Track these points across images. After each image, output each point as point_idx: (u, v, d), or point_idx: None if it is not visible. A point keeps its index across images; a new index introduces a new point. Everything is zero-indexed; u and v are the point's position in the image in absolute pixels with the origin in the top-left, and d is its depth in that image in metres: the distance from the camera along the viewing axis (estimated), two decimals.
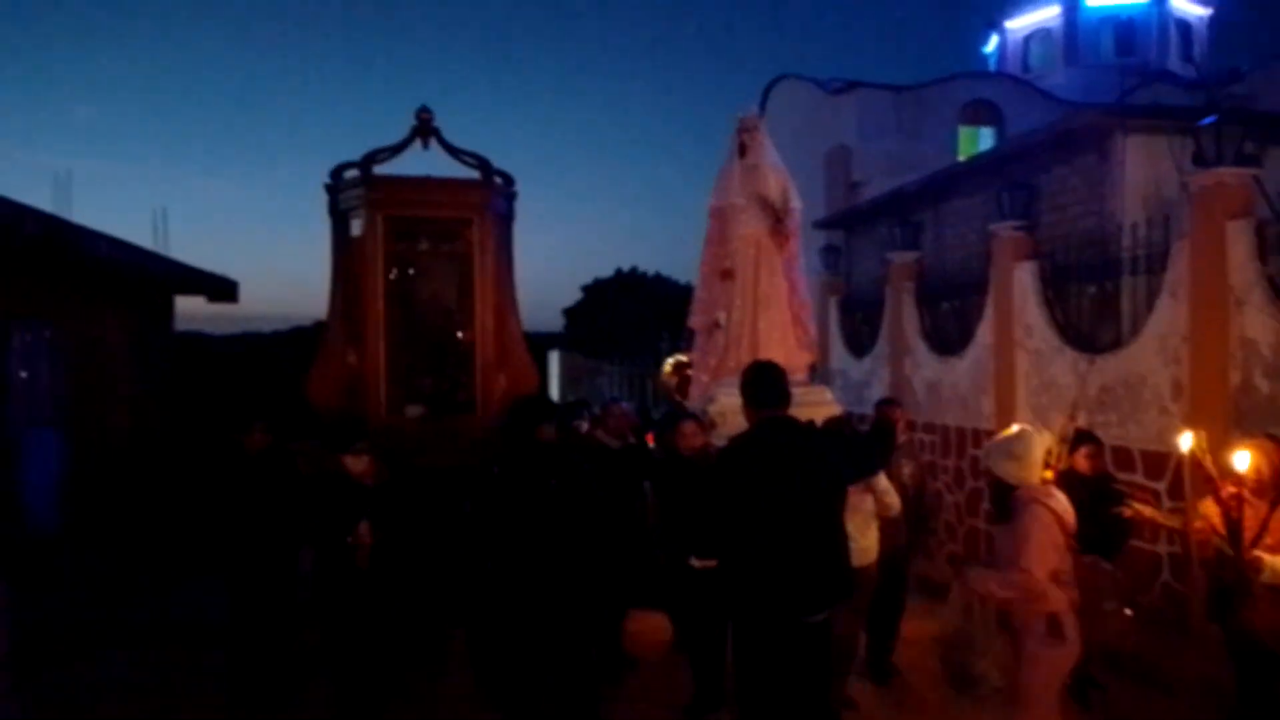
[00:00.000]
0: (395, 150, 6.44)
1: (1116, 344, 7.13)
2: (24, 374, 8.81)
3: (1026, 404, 8.04)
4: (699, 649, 5.28)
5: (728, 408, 6.97)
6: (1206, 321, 6.10)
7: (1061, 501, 3.87)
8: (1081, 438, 5.50)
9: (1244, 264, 5.85)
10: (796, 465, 3.80)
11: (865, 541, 5.10)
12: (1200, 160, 6.19)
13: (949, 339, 9.51)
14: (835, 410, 6.86)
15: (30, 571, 7.77)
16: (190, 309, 13.51)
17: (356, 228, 6.36)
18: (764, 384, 4.03)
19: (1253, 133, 6.25)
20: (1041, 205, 8.95)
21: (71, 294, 9.50)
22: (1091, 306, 7.52)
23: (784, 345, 7.52)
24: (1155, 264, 6.72)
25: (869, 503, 5.25)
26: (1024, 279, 8.07)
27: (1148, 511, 5.01)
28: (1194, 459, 4.40)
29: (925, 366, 9.78)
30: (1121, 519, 5.03)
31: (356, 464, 5.06)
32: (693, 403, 7.85)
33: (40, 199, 8.56)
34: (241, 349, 24.39)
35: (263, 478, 5.37)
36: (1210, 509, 4.44)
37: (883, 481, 5.28)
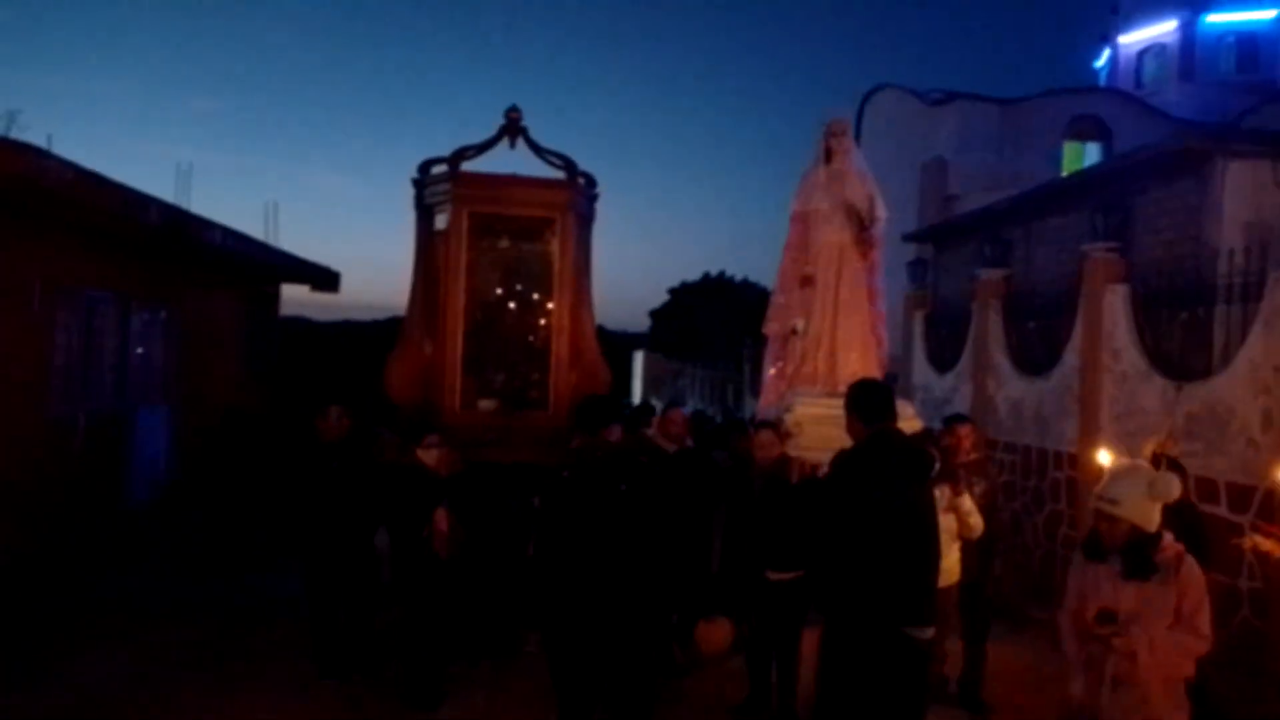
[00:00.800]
0: (483, 148, 6.54)
1: (1206, 372, 6.92)
2: (140, 351, 9.46)
3: (1110, 429, 7.85)
4: (759, 655, 5.30)
5: (804, 417, 6.94)
6: None
7: None
8: (1167, 464, 5.33)
9: None
10: (905, 478, 3.84)
11: (946, 562, 4.98)
12: None
13: (1035, 359, 9.34)
14: (916, 425, 6.77)
15: (125, 541, 8.31)
16: (294, 295, 14.21)
17: (441, 222, 6.46)
18: (874, 398, 4.04)
19: None
20: (1136, 227, 8.71)
21: (187, 279, 10.14)
22: (1182, 333, 7.32)
23: (863, 355, 7.38)
24: (1251, 293, 6.52)
25: (951, 522, 5.18)
26: (1114, 302, 7.89)
27: (1266, 545, 4.77)
28: None
29: (1009, 385, 9.63)
30: (1201, 547, 4.80)
31: (427, 457, 5.24)
32: (766, 410, 7.73)
33: (160, 188, 9.13)
34: (342, 336, 25.39)
35: (338, 461, 5.50)
36: None
37: (967, 502, 5.23)
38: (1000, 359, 9.80)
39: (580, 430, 4.62)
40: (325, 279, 13.65)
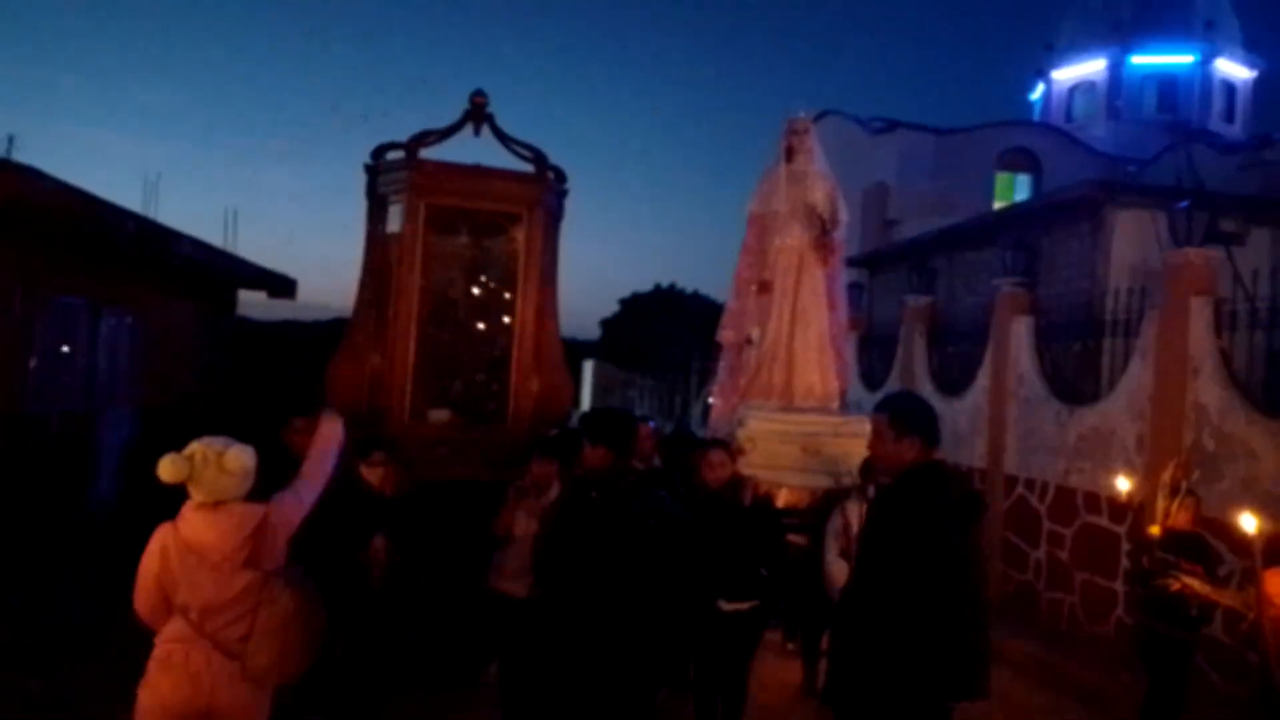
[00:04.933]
0: (444, 134, 5.93)
1: (1095, 397, 7.76)
2: (108, 356, 9.81)
3: (1014, 447, 8.67)
4: (707, 693, 4.86)
5: (758, 433, 6.55)
6: (1167, 385, 6.73)
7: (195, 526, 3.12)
8: (1186, 491, 5.13)
9: (1202, 337, 6.49)
10: (971, 520, 3.17)
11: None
12: (1175, 239, 6.84)
13: (953, 380, 10.15)
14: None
15: (88, 547, 8.58)
16: (248, 298, 14.49)
17: (395, 214, 5.93)
18: (933, 416, 3.32)
19: (1229, 215, 6.90)
20: (1041, 265, 9.58)
21: (152, 285, 10.51)
22: (1076, 362, 8.15)
23: (820, 367, 7.00)
24: (1132, 329, 7.36)
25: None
26: (1020, 332, 8.71)
27: (1196, 584, 4.34)
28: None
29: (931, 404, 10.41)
30: (1212, 575, 4.52)
31: (371, 475, 4.71)
32: (716, 425, 7.34)
33: (116, 185, 9.37)
34: (288, 338, 25.36)
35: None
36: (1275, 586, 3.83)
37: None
38: (923, 379, 10.59)
39: (606, 447, 3.82)
40: (282, 286, 13.99)
